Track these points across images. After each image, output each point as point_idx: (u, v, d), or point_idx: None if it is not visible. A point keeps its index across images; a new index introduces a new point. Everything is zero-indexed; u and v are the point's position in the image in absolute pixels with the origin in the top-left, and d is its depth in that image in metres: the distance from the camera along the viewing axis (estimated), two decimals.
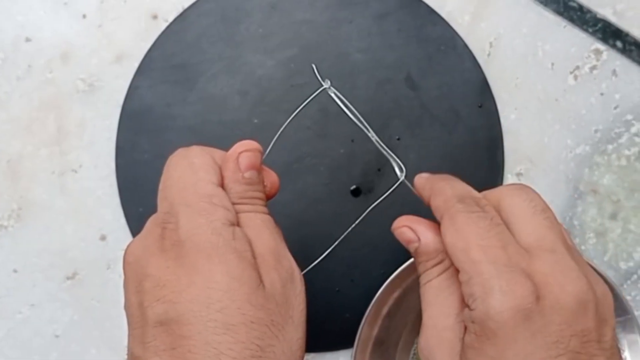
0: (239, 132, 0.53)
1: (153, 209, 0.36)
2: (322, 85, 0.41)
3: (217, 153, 0.37)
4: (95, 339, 0.53)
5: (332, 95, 0.41)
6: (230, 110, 0.53)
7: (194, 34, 0.53)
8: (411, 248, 0.38)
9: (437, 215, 0.36)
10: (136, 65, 0.53)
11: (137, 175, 0.53)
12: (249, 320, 0.32)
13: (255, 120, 0.53)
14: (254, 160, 0.37)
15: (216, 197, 0.35)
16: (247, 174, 0.36)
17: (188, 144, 0.38)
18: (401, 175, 0.41)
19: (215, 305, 0.32)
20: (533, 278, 0.32)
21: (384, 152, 0.41)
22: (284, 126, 0.41)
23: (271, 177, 0.39)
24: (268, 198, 0.38)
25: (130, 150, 0.53)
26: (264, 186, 0.38)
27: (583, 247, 0.53)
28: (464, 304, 0.34)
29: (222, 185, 0.36)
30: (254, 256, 0.34)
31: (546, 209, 0.35)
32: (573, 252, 0.34)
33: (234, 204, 0.36)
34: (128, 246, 0.35)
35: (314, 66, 0.44)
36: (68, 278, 0.53)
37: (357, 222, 0.51)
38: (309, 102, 0.41)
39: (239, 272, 0.33)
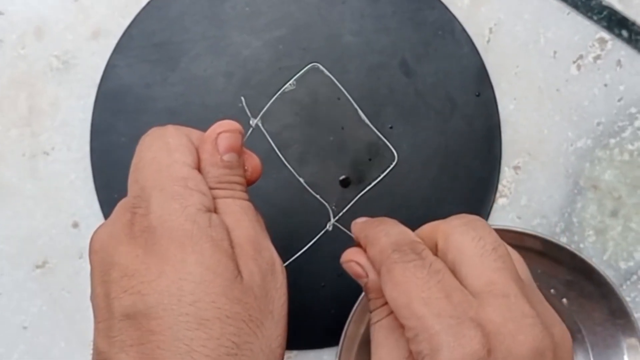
0: (222, 116, 0.50)
1: None
2: (250, 121, 0.42)
3: (195, 133, 0.36)
4: (65, 331, 0.52)
5: (264, 131, 0.41)
6: (213, 92, 0.51)
7: (177, 11, 0.52)
8: (361, 283, 0.36)
9: (376, 267, 0.35)
10: (114, 42, 0.52)
11: (112, 159, 0.51)
12: (224, 315, 0.30)
13: (240, 104, 0.51)
14: (233, 142, 0.35)
15: (192, 181, 0.33)
16: (226, 157, 0.35)
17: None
18: (332, 222, 0.46)
19: (188, 298, 0.30)
20: (483, 328, 0.30)
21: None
22: (263, 110, 0.39)
23: (253, 161, 0.37)
24: (249, 183, 0.37)
25: (106, 133, 0.51)
26: (245, 170, 0.36)
27: (582, 245, 0.52)
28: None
29: (198, 168, 0.34)
30: (231, 245, 0.32)
31: (497, 246, 0.33)
32: (528, 291, 0.33)
33: (211, 188, 0.34)
34: (94, 233, 0.34)
35: (242, 99, 0.44)
36: (37, 267, 0.52)
37: (343, 211, 0.49)
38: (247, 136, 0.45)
39: (214, 263, 0.31)
